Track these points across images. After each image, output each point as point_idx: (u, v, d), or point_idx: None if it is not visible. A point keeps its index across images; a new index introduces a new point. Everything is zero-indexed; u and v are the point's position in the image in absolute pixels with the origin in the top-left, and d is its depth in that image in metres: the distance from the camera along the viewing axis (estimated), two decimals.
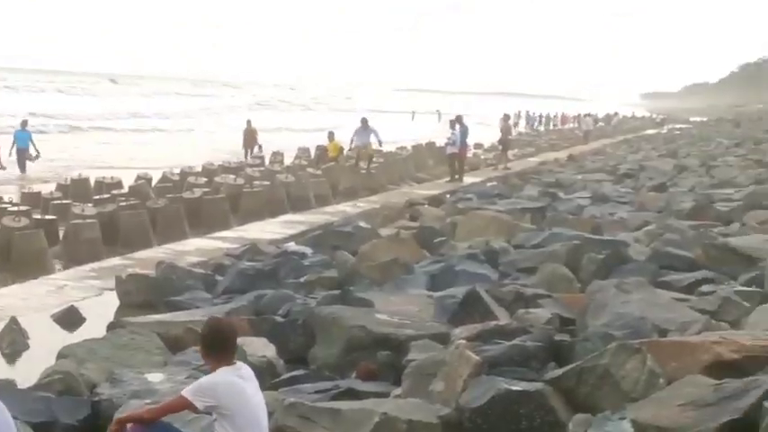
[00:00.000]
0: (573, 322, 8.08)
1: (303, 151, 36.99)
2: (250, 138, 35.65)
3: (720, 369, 5.46)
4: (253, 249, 14.17)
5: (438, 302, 8.79)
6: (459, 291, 8.99)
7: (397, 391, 6.62)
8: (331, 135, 31.46)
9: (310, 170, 28.71)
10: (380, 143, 31.42)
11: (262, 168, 29.80)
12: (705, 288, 8.95)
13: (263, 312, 9.56)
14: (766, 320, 7.11)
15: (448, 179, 30.88)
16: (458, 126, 31.54)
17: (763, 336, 5.92)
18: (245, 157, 34.35)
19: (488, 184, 29.58)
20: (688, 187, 23.59)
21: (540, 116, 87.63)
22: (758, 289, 8.81)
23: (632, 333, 6.58)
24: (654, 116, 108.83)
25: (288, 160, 33.95)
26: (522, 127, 77.12)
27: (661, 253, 10.97)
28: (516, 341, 6.64)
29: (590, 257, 10.72)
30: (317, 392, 6.65)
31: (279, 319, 9.02)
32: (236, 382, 5.01)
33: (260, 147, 35.52)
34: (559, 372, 5.82)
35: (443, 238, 14.18)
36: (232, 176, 24.94)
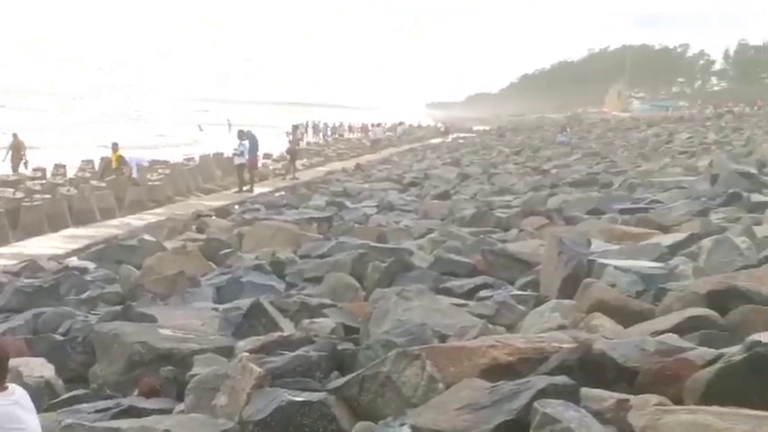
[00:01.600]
0: (357, 331, 8.16)
1: (87, 163, 35.92)
2: (16, 152, 34.34)
3: (496, 372, 5.62)
4: (31, 266, 13.67)
5: (223, 315, 8.69)
6: (244, 303, 8.91)
7: (181, 406, 6.49)
8: (114, 146, 30.51)
9: (94, 182, 27.90)
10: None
11: (43, 181, 28.78)
12: (483, 293, 9.24)
13: (42, 331, 9.21)
14: (540, 323, 7.40)
15: (236, 190, 30.71)
16: (246, 137, 31.43)
17: (536, 338, 6.14)
18: (14, 171, 33.07)
19: (277, 194, 29.61)
20: (470, 195, 24.28)
21: (333, 126, 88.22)
22: (533, 293, 9.16)
23: (413, 340, 6.69)
24: (439, 125, 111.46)
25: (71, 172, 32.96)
26: (310, 137, 77.52)
27: (443, 260, 11.24)
28: (300, 352, 6.63)
29: (374, 266, 10.86)
30: (97, 412, 6.43)
31: (58, 337, 8.70)
32: (9, 412, 4.73)
33: (26, 163, 34.16)
34: (342, 381, 5.85)
35: (230, 250, 14.08)
36: (11, 190, 23.96)
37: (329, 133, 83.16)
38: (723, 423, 4.23)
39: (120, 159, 29.75)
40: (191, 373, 6.89)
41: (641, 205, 17.11)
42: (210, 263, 13.20)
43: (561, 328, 7.00)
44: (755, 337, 5.11)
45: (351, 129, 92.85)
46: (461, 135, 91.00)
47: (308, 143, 65.21)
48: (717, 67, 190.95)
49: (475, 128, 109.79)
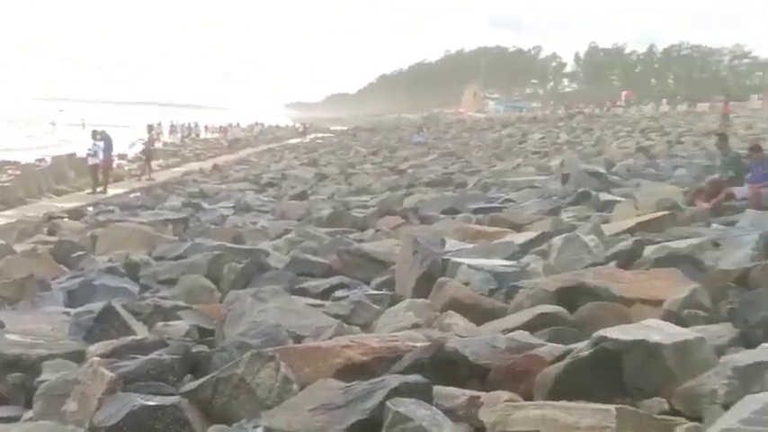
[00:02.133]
0: (212, 333, 8.07)
1: None
2: None
3: (351, 372, 5.63)
4: None
5: (74, 319, 8.45)
6: (96, 306, 8.69)
7: (29, 414, 6.29)
8: None
9: None
10: None
11: None
12: (339, 293, 9.25)
13: None
14: (395, 322, 7.44)
15: (90, 191, 30.05)
16: (100, 137, 30.84)
17: (390, 337, 6.18)
18: None
19: (132, 195, 29.09)
20: (327, 195, 24.34)
21: (189, 125, 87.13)
22: (389, 292, 9.21)
23: (268, 341, 6.64)
24: (297, 125, 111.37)
25: None
26: (167, 137, 76.40)
27: (299, 260, 11.20)
28: (153, 355, 6.50)
29: (230, 267, 10.76)
30: None
31: None
32: None
33: None
34: (195, 384, 5.77)
35: (83, 253, 13.74)
36: None
37: (185, 133, 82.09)
38: (570, 417, 4.32)
39: None
40: (39, 379, 6.67)
41: (495, 204, 17.46)
42: (62, 266, 12.85)
43: (415, 326, 7.05)
44: (602, 332, 5.25)
45: (207, 129, 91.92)
46: (320, 135, 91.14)
47: (165, 143, 64.30)
48: (568, 69, 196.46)
49: (333, 128, 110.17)
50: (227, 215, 19.65)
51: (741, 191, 14.85)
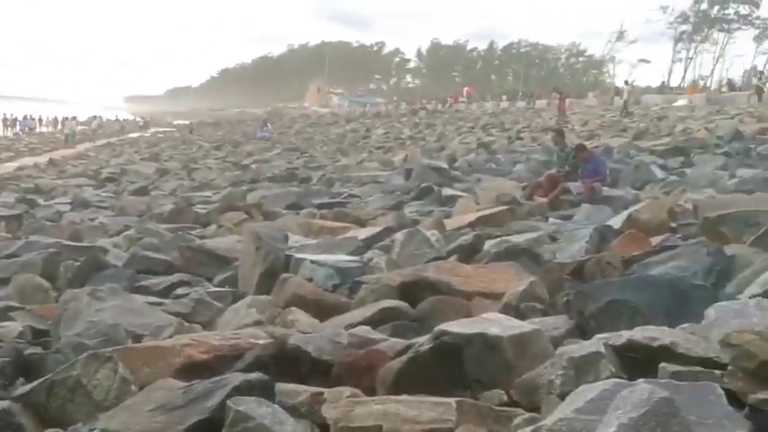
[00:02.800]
0: (47, 334, 7.83)
1: None
2: None
3: (192, 371, 5.55)
4: None
5: None
6: None
7: None
8: None
9: None
10: None
11: None
12: (180, 291, 9.11)
13: None
14: (237, 320, 7.39)
15: None
16: None
17: (232, 335, 6.12)
18: None
19: None
20: (169, 190, 23.98)
21: (25, 117, 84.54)
22: (231, 289, 9.14)
23: (106, 341, 6.50)
24: (137, 119, 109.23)
25: None
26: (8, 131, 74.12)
27: (139, 257, 10.98)
28: None
29: (66, 265, 10.47)
30: None
31: None
32: None
33: None
34: (28, 387, 5.59)
35: None
36: None
37: (24, 127, 79.60)
38: (411, 411, 4.38)
39: None
40: None
41: (339, 200, 17.53)
42: None
43: (258, 323, 7.01)
44: (442, 326, 5.32)
45: (42, 122, 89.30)
46: (161, 129, 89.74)
47: None
48: (411, 65, 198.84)
49: (175, 122, 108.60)
50: (63, 211, 19.10)
51: (576, 186, 15.34)
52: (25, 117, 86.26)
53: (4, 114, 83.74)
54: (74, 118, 76.26)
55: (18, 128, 78.80)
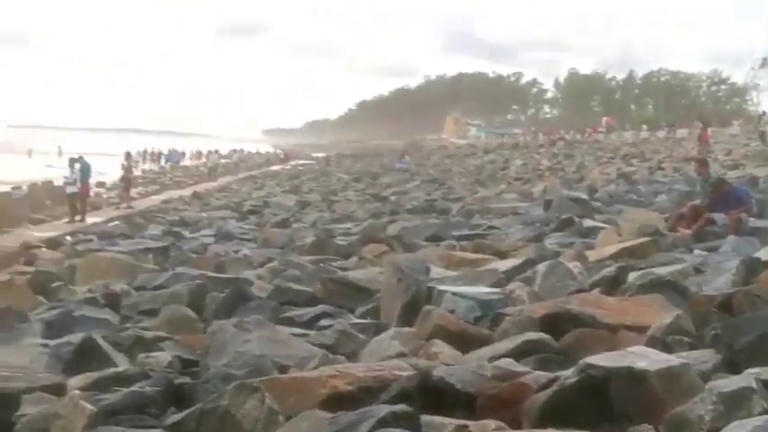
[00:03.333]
0: (196, 364, 8.03)
1: None
2: None
3: (337, 402, 5.62)
4: None
5: (53, 351, 8.41)
6: (75, 338, 8.65)
7: None
8: None
9: None
10: None
11: None
12: (323, 322, 9.23)
13: None
14: (380, 351, 7.44)
15: (68, 220, 29.95)
16: (77, 164, 30.77)
17: (376, 366, 6.17)
18: None
19: (110, 224, 29.00)
20: (310, 223, 24.35)
21: (176, 152, 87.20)
22: (373, 321, 9.22)
23: (253, 372, 6.63)
24: (278, 152, 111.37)
25: None
26: (147, 164, 76.49)
27: (282, 289, 11.18)
28: (135, 387, 6.48)
29: (212, 297, 10.74)
30: None
31: None
32: None
33: None
34: (179, 416, 5.75)
35: (61, 283, 13.68)
36: None
37: (176, 160, 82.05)
38: None
39: None
40: (18, 413, 6.63)
41: (478, 231, 17.50)
42: (40, 297, 12.78)
43: (401, 355, 7.04)
44: (588, 359, 5.27)
45: (183, 156, 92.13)
46: (301, 162, 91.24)
47: (144, 170, 64.28)
48: (549, 95, 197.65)
49: (314, 154, 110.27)
50: (208, 243, 19.61)
51: (721, 217, 14.93)
52: (172, 151, 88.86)
53: (151, 149, 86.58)
54: (216, 151, 78.37)
55: (164, 162, 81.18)
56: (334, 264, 14.09)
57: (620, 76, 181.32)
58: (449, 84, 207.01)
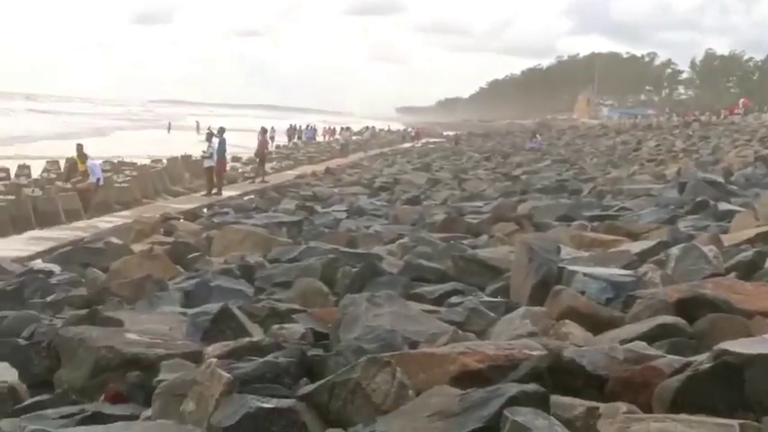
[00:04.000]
0: (327, 337, 8.13)
1: (52, 164, 35.57)
2: None
3: (467, 379, 5.62)
4: None
5: (191, 320, 8.62)
6: (212, 307, 8.85)
7: (148, 412, 6.44)
8: (79, 147, 29.55)
9: (59, 184, 27.67)
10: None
11: (6, 182, 28.52)
12: (454, 299, 9.22)
13: (5, 335, 9.07)
14: (510, 330, 7.40)
15: (205, 193, 30.63)
16: (215, 139, 31.34)
17: (506, 345, 6.14)
18: None
19: (246, 197, 29.58)
20: (440, 200, 24.34)
21: (311, 128, 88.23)
22: (503, 299, 9.17)
23: (383, 346, 6.67)
24: (409, 130, 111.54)
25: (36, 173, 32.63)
26: (297, 139, 77.67)
27: (413, 265, 11.22)
28: (269, 357, 6.59)
29: (344, 271, 10.85)
30: (62, 417, 6.37)
31: (21, 341, 8.58)
32: None
33: None
34: (311, 387, 5.83)
35: (198, 254, 14.03)
36: None
37: (311, 135, 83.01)
38: (691, 431, 4.26)
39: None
40: (158, 378, 6.82)
41: (610, 212, 17.23)
42: (178, 266, 13.13)
43: (531, 335, 6.99)
44: (723, 345, 5.14)
45: (329, 131, 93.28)
46: (432, 140, 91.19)
47: (278, 146, 65.20)
48: (684, 76, 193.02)
49: (446, 133, 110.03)
50: (340, 219, 19.80)
51: None
52: (308, 127, 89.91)
53: (290, 125, 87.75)
54: (348, 128, 78.95)
55: (303, 137, 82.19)
56: (464, 242, 14.06)
57: (759, 56, 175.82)
58: (582, 64, 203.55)
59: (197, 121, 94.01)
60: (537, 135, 64.94)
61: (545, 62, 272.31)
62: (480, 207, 20.82)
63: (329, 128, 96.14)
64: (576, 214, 17.02)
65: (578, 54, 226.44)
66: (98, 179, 27.25)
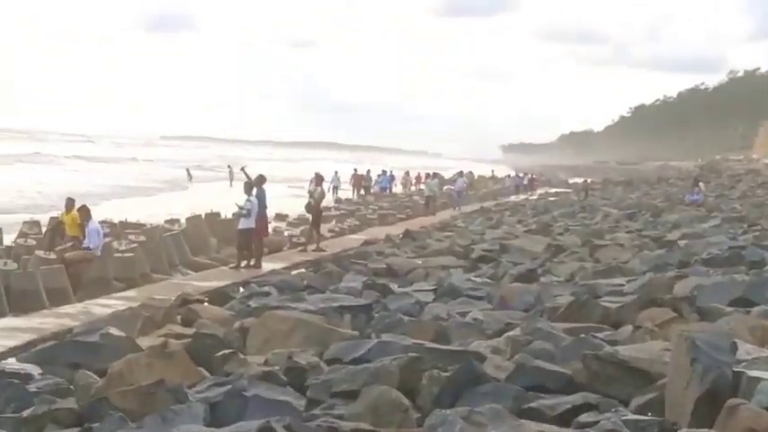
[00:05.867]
0: None
1: (31, 226, 35.63)
2: None
3: None
4: None
5: None
6: (249, 426, 8.91)
7: None
8: (69, 203, 29.86)
9: (41, 253, 27.96)
10: None
11: None
12: (585, 417, 9.16)
13: None
14: None
15: (235, 265, 30.69)
16: (255, 190, 31.18)
17: None
18: None
19: (294, 272, 29.67)
20: (565, 276, 24.19)
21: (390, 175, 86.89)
22: (656, 418, 9.07)
23: None
24: (520, 176, 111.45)
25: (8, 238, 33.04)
26: (364, 190, 77.17)
27: (528, 368, 11.16)
28: None
29: (431, 376, 10.82)
30: None
31: None
32: None
33: None
34: None
35: (229, 351, 14.09)
36: None
37: (384, 185, 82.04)
38: None
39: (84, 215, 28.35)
40: None
41: None
42: (201, 369, 13.20)
43: None
44: None
45: (415, 180, 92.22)
46: (552, 190, 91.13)
47: (338, 200, 65.49)
48: None
49: (571, 180, 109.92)
50: (425, 302, 19.77)
51: None
52: (382, 173, 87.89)
53: (355, 170, 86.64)
54: (434, 175, 78.68)
55: (374, 187, 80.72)
56: (599, 335, 13.95)
57: None
58: (763, 82, 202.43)
59: (229, 166, 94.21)
60: (700, 183, 64.50)
61: (711, 80, 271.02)
62: (622, 286, 20.67)
63: (410, 174, 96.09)
64: (757, 296, 16.82)
65: (758, 69, 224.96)
66: (96, 246, 27.35)
